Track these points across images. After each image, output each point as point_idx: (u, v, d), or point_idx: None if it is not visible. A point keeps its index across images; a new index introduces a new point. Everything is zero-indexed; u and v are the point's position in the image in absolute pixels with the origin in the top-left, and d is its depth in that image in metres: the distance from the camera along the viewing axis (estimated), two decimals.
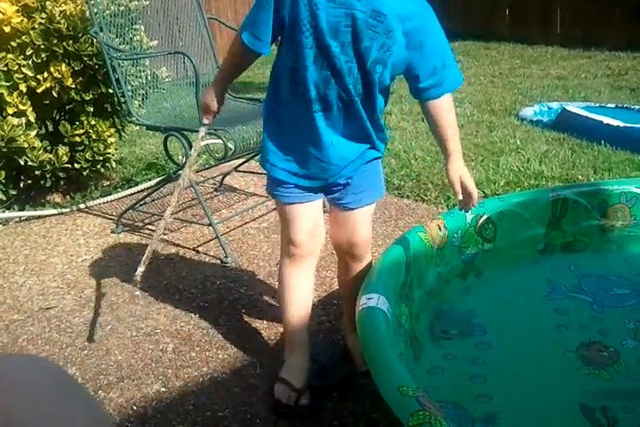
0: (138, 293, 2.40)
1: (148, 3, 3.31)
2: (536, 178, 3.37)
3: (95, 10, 2.86)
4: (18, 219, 3.15)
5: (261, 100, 3.18)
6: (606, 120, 4.29)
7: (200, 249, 2.76)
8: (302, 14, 1.46)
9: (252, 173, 3.47)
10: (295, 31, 1.49)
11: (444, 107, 1.64)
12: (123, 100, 2.92)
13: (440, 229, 2.16)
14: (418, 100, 1.66)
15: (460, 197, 1.67)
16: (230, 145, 2.55)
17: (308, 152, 1.63)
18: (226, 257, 2.63)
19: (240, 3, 9.05)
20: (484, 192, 3.20)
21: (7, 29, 2.88)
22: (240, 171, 3.41)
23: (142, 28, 3.36)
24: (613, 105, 5.10)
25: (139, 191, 3.35)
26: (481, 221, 2.27)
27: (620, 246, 2.39)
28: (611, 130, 4.14)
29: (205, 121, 1.80)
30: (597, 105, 5.14)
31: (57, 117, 3.31)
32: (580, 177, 3.38)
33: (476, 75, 6.77)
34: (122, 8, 3.19)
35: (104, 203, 3.28)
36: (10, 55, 2.91)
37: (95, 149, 3.21)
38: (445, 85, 1.62)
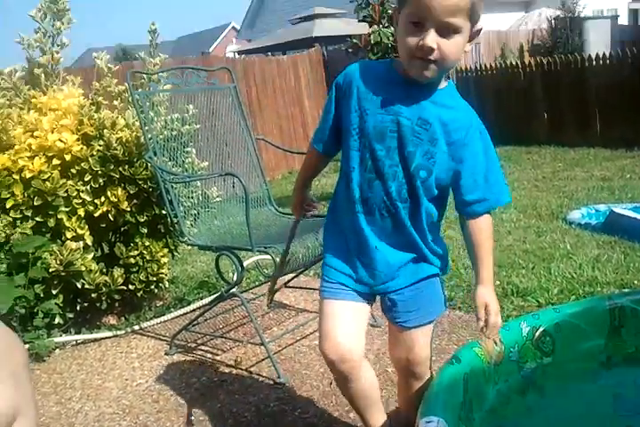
0: (193, 417, 2.37)
1: (198, 126, 3.52)
2: (590, 284, 3.29)
3: (149, 135, 3.04)
4: (74, 342, 3.19)
5: (308, 215, 3.28)
6: None
7: (253, 369, 2.73)
8: (353, 119, 1.55)
9: (302, 288, 3.49)
10: (346, 134, 1.59)
11: (482, 226, 1.64)
12: (175, 220, 3.02)
13: (496, 343, 2.10)
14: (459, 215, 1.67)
15: (482, 323, 1.66)
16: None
17: (356, 254, 1.65)
18: (279, 377, 2.59)
19: (284, 121, 9.51)
20: (537, 301, 3.13)
21: (68, 157, 3.07)
22: (290, 287, 3.43)
23: (193, 150, 3.54)
24: None
25: (191, 311, 3.38)
26: (538, 333, 2.20)
27: None
28: None
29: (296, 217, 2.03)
30: None
31: (112, 239, 3.42)
32: (635, 282, 3.29)
33: (520, 179, 6.83)
34: (174, 132, 3.38)
35: (158, 324, 3.31)
36: (70, 182, 3.08)
37: (149, 270, 3.29)
38: (487, 202, 1.62)
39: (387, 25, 6.19)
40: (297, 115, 9.90)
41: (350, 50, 6.41)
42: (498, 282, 3.42)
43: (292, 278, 3.32)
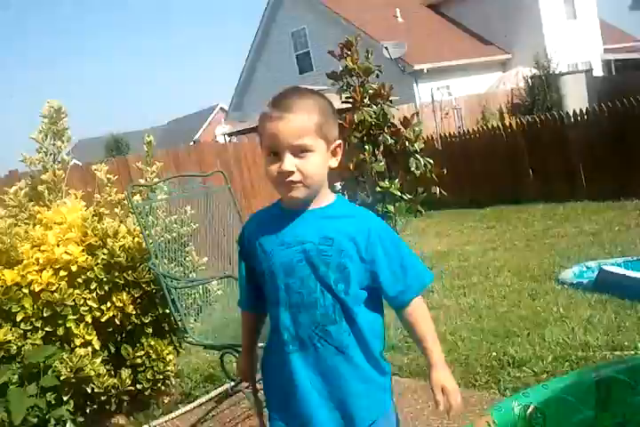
0: None
1: (197, 226, 3.72)
2: (583, 349, 3.40)
3: (150, 240, 3.23)
4: None
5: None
6: None
7: None
8: (260, 265, 1.64)
9: None
10: (261, 282, 1.66)
11: (417, 312, 1.65)
12: (178, 318, 3.17)
13: (489, 425, 2.21)
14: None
15: (442, 407, 1.63)
16: None
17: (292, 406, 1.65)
18: None
19: None
20: (533, 371, 3.24)
21: (74, 268, 3.24)
22: None
23: (193, 248, 3.72)
24: None
25: (198, 406, 3.47)
26: (529, 411, 2.31)
27: None
28: None
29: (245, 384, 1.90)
30: (635, 258, 5.22)
31: (118, 339, 3.55)
32: (626, 343, 3.40)
33: (512, 239, 7.01)
34: (174, 234, 3.58)
35: (166, 421, 3.39)
36: (77, 291, 3.24)
37: (155, 369, 3.40)
38: (411, 290, 1.64)
39: (368, 104, 6.50)
40: None
41: None
42: (494, 353, 3.54)
43: None
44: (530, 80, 16.19)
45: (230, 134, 16.67)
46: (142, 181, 3.84)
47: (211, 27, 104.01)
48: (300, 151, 1.53)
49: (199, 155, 8.73)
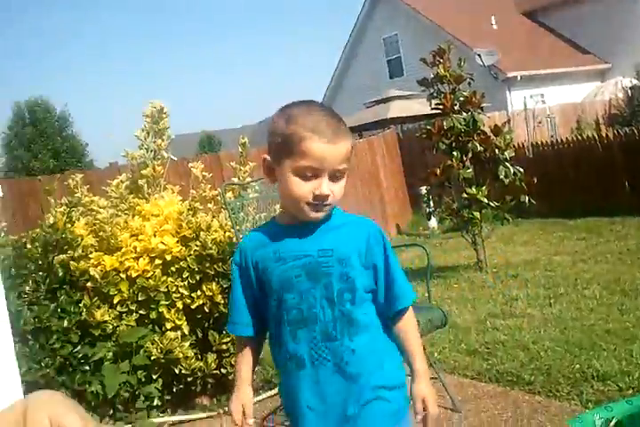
0: None
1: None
2: None
3: (241, 235, 3.36)
4: (171, 422, 3.43)
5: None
6: None
7: None
8: (263, 280, 1.59)
9: None
10: (261, 297, 1.61)
11: (409, 323, 1.63)
12: None
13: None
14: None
15: (419, 417, 1.57)
16: None
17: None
18: None
19: (362, 202, 9.81)
20: (618, 386, 3.15)
21: (168, 258, 3.44)
22: None
23: None
24: None
25: (277, 393, 3.57)
26: (611, 425, 2.26)
27: None
28: None
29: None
30: None
31: (205, 326, 3.70)
32: None
33: (602, 252, 6.78)
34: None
35: None
36: (170, 278, 3.43)
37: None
38: (406, 297, 1.62)
39: (458, 111, 6.48)
40: (374, 193, 10.22)
41: (424, 136, 6.71)
42: (578, 365, 3.46)
43: None
44: (629, 91, 15.59)
45: None
46: (235, 180, 4.00)
47: (305, 25, 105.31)
48: (337, 176, 1.52)
49: None
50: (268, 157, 1.54)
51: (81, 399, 3.20)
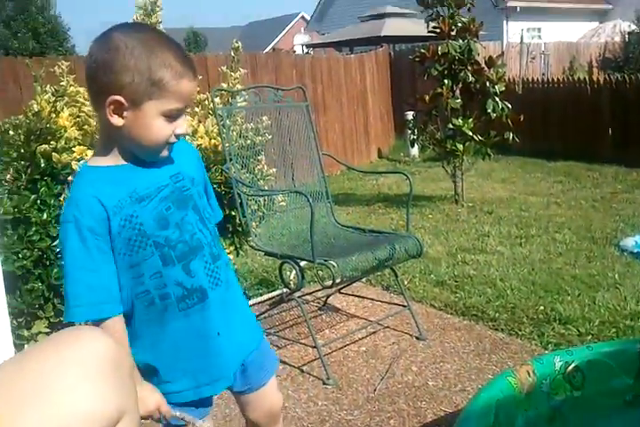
0: None
1: (270, 137, 3.78)
2: (632, 319, 3.40)
3: (227, 144, 3.30)
4: None
5: (365, 229, 3.51)
6: None
7: (304, 368, 2.98)
8: (129, 232, 1.38)
9: (354, 295, 3.73)
10: (124, 252, 1.39)
11: None
12: (244, 221, 3.28)
13: (529, 374, 2.28)
14: None
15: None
16: (337, 275, 2.81)
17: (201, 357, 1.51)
18: (328, 379, 2.83)
19: (347, 119, 9.70)
20: (578, 330, 3.28)
21: None
22: (343, 293, 3.67)
23: (264, 158, 3.79)
24: None
25: (250, 306, 3.64)
26: (570, 368, 2.36)
27: None
28: None
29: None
30: None
31: None
32: None
33: (577, 198, 6.88)
34: (248, 141, 3.65)
35: None
36: None
37: None
38: (218, 212, 1.69)
39: (454, 37, 6.30)
40: (360, 113, 10.09)
41: (417, 59, 6.55)
42: (542, 307, 3.58)
43: (347, 285, 3.54)
44: (627, 36, 15.33)
45: (309, 46, 16.39)
46: (224, 86, 3.87)
47: None
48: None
49: (277, 63, 8.64)
50: (122, 99, 1.30)
51: (56, 294, 3.21)
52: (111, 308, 1.37)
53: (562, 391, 2.35)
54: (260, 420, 1.75)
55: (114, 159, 1.39)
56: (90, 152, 3.33)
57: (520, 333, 3.30)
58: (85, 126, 3.40)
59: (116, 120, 1.32)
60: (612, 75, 10.63)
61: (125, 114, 1.32)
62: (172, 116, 1.36)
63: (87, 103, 3.45)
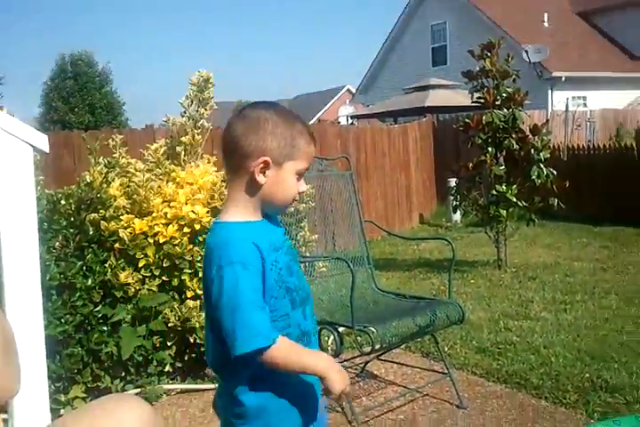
0: None
1: (314, 204, 3.87)
2: None
3: None
4: (179, 389, 3.50)
5: (406, 295, 3.50)
6: None
7: None
8: (275, 276, 1.52)
9: (393, 362, 3.68)
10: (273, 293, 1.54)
11: None
12: None
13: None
14: None
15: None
16: (376, 342, 2.80)
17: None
18: None
19: (389, 187, 9.82)
20: (625, 399, 3.15)
21: (197, 227, 3.48)
22: (381, 359, 3.63)
23: (306, 224, 3.87)
24: None
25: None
26: None
27: None
28: None
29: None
30: None
31: None
32: None
33: (624, 263, 6.75)
34: (292, 209, 3.74)
35: None
36: (196, 248, 3.47)
37: None
38: None
39: (499, 106, 6.41)
40: (402, 181, 10.20)
41: (461, 128, 6.67)
42: (587, 375, 3.47)
43: (385, 352, 3.50)
44: None
45: (353, 117, 16.79)
46: None
47: (352, 7, 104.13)
48: None
49: (321, 133, 8.87)
50: (269, 159, 1.53)
51: (95, 359, 3.28)
52: (275, 333, 1.47)
53: None
54: None
55: (253, 216, 1.57)
56: (137, 220, 3.47)
57: (565, 401, 3.19)
58: (134, 196, 3.55)
59: (261, 178, 1.53)
60: None
61: (268, 173, 1.54)
62: (301, 175, 1.59)
63: (138, 174, 3.62)
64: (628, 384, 3.32)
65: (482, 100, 6.51)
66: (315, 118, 31.19)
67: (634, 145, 9.93)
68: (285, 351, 1.47)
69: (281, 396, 1.54)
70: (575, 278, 6.01)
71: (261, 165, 1.52)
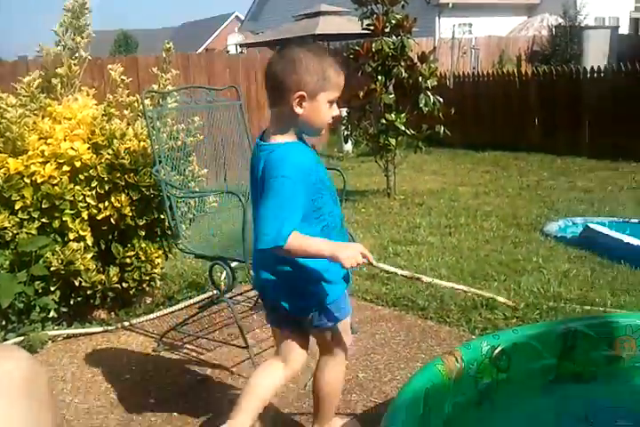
0: (175, 413, 2.60)
1: (202, 137, 3.75)
2: (555, 300, 3.53)
3: (156, 147, 3.26)
4: (66, 335, 3.39)
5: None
6: (627, 239, 4.46)
7: (234, 370, 2.96)
8: (318, 184, 1.99)
9: None
10: (319, 193, 2.00)
11: None
12: (173, 224, 3.23)
13: (457, 360, 2.32)
14: None
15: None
16: None
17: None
18: None
19: None
20: (504, 315, 3.37)
21: (78, 164, 3.28)
22: None
23: (195, 158, 3.76)
24: (637, 220, 5.28)
25: (179, 309, 3.62)
26: (496, 352, 2.42)
27: (625, 377, 2.52)
28: (631, 249, 4.30)
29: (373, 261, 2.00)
30: (622, 220, 5.33)
31: (110, 238, 3.61)
32: (597, 299, 3.53)
33: (504, 186, 7.09)
34: (179, 143, 3.61)
35: (147, 321, 3.53)
36: (77, 187, 3.28)
37: (143, 270, 3.50)
38: None
39: (388, 34, 6.38)
40: None
41: (351, 56, 6.60)
42: (469, 294, 3.67)
43: None
44: (554, 29, 15.79)
45: (243, 45, 16.28)
46: (155, 87, 3.82)
47: None
48: None
49: (208, 63, 8.58)
50: (304, 93, 1.85)
51: None
52: (288, 236, 1.83)
53: (488, 375, 2.40)
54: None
55: (292, 138, 1.96)
56: (11, 160, 3.23)
57: (449, 320, 3.37)
58: (7, 133, 3.27)
59: (299, 110, 1.88)
60: (539, 67, 10.93)
61: (304, 104, 1.88)
62: (332, 103, 1.92)
63: (10, 109, 3.33)
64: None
65: (371, 28, 6.44)
66: (202, 47, 30.03)
67: (515, 72, 10.26)
68: (296, 245, 1.83)
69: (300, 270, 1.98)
70: (459, 203, 6.28)
71: (298, 99, 1.86)
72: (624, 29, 18.92)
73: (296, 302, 2.03)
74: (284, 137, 1.94)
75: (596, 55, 13.92)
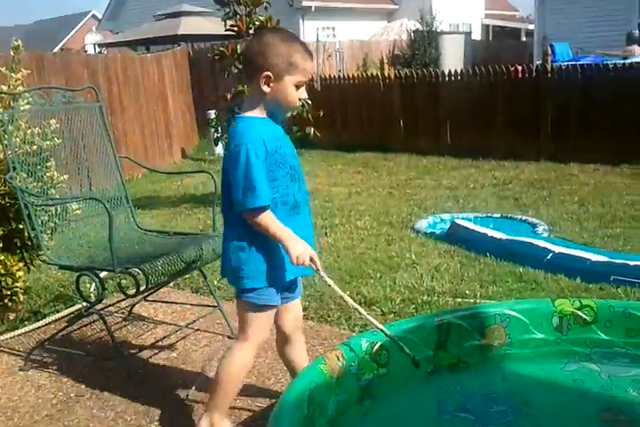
0: None
1: (60, 141, 3.51)
2: (428, 294, 3.65)
3: (9, 152, 3.02)
4: None
5: (170, 232, 3.41)
6: (491, 233, 4.71)
7: (110, 384, 2.80)
8: (277, 156, 2.12)
9: (161, 301, 3.60)
10: (280, 169, 2.14)
11: None
12: (33, 233, 3.01)
13: (339, 359, 2.33)
14: None
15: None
16: (142, 283, 2.68)
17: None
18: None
19: (147, 119, 9.40)
20: (382, 310, 3.43)
21: None
22: (149, 300, 3.52)
23: (54, 163, 3.52)
24: (499, 215, 5.60)
25: (46, 324, 3.38)
26: (375, 348, 2.46)
27: (497, 364, 2.63)
28: (495, 242, 4.54)
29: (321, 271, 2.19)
30: (484, 215, 5.63)
31: None
32: (467, 291, 3.69)
33: (375, 186, 7.27)
34: (35, 147, 3.37)
35: (11, 338, 3.28)
36: None
37: (3, 284, 3.25)
38: None
39: (252, 35, 6.33)
40: (160, 114, 9.82)
41: (217, 57, 6.50)
42: (348, 292, 3.68)
43: (153, 292, 3.40)
44: (412, 34, 16.46)
45: (102, 45, 15.68)
46: (5, 88, 3.55)
47: None
48: None
49: (65, 63, 8.13)
50: (271, 74, 2.03)
51: None
52: (266, 199, 2.06)
53: (369, 371, 2.42)
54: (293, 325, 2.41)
55: (262, 114, 2.12)
56: None
57: (329, 319, 3.38)
58: None
59: (266, 88, 2.06)
60: (401, 70, 11.33)
61: (271, 84, 2.06)
62: (299, 86, 2.08)
63: None
64: (382, 297, 3.61)
65: (235, 29, 6.37)
66: (58, 47, 28.56)
67: (379, 75, 10.57)
68: (268, 219, 2.06)
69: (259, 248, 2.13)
70: (333, 204, 6.36)
71: (265, 79, 2.05)
72: (476, 35, 20.11)
73: (234, 265, 2.16)
74: (254, 112, 2.11)
75: (452, 59, 14.69)
